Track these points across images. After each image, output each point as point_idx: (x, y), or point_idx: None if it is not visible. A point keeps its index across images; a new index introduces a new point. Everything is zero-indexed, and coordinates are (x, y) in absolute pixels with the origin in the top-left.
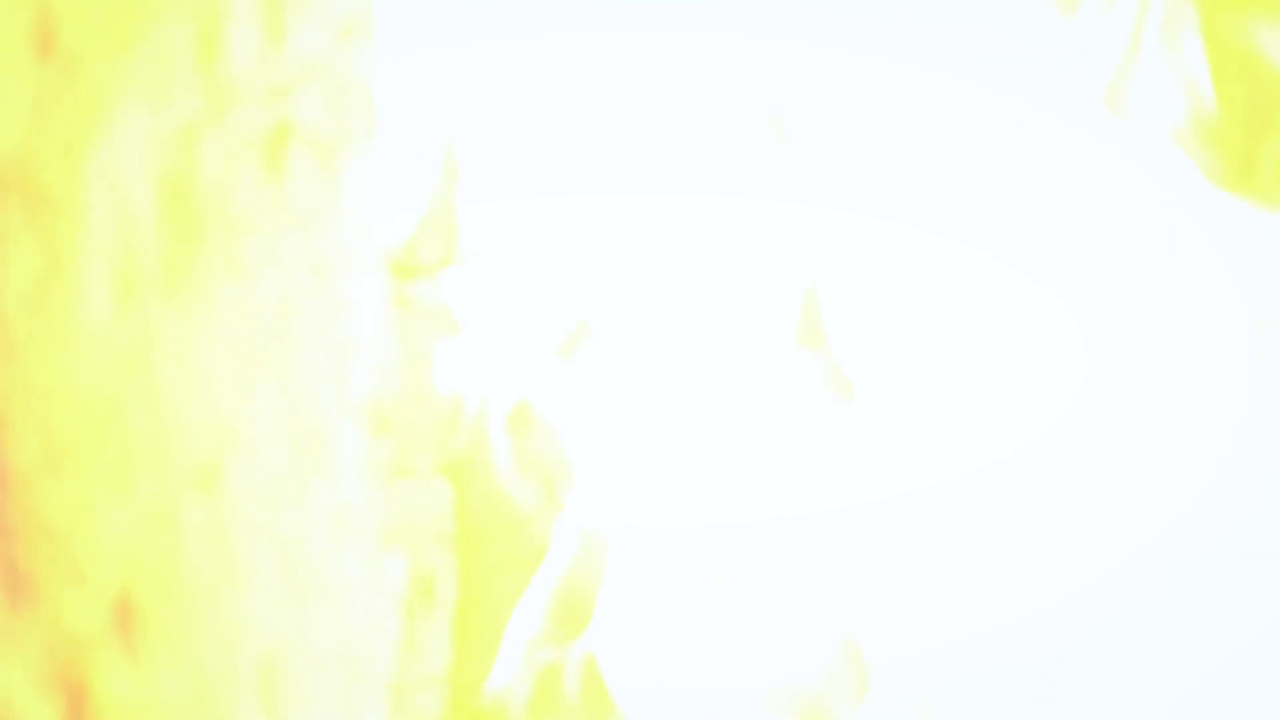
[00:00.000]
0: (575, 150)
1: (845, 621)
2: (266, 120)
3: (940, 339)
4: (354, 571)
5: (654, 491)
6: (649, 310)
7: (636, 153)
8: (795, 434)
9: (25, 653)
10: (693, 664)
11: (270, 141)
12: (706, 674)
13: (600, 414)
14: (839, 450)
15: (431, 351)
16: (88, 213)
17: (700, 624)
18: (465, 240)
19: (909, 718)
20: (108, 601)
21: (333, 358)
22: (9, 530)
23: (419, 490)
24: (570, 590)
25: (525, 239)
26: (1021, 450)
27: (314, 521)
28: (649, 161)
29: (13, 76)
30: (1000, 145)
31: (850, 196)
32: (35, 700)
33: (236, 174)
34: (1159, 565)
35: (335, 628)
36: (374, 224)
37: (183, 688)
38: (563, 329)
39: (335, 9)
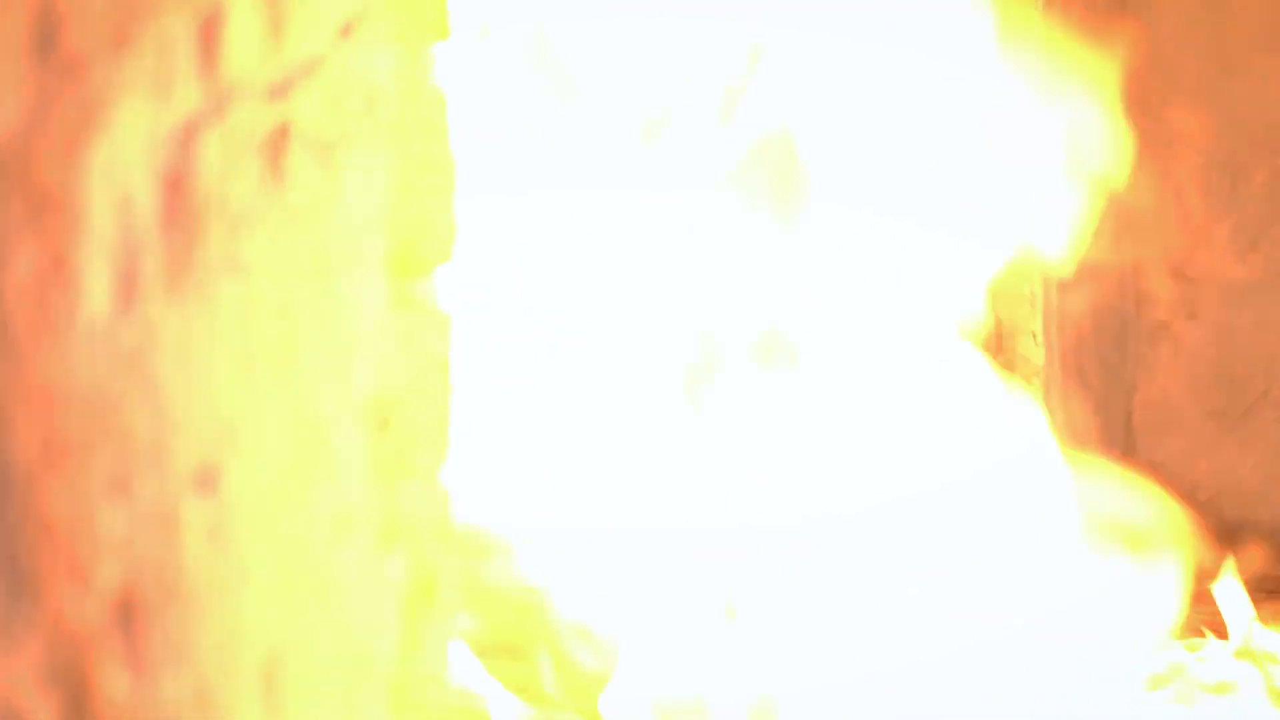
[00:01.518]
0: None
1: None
2: (267, 119)
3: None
4: (355, 571)
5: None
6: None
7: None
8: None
9: (26, 651)
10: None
11: (271, 140)
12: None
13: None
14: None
15: (433, 350)
16: (88, 212)
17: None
18: (464, 237)
19: None
20: (109, 600)
21: (334, 357)
22: (10, 529)
23: (420, 490)
24: None
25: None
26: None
27: (315, 521)
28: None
29: (13, 76)
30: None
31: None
32: (36, 699)
33: (237, 173)
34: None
35: (336, 627)
36: (374, 223)
37: (184, 686)
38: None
39: (336, 8)
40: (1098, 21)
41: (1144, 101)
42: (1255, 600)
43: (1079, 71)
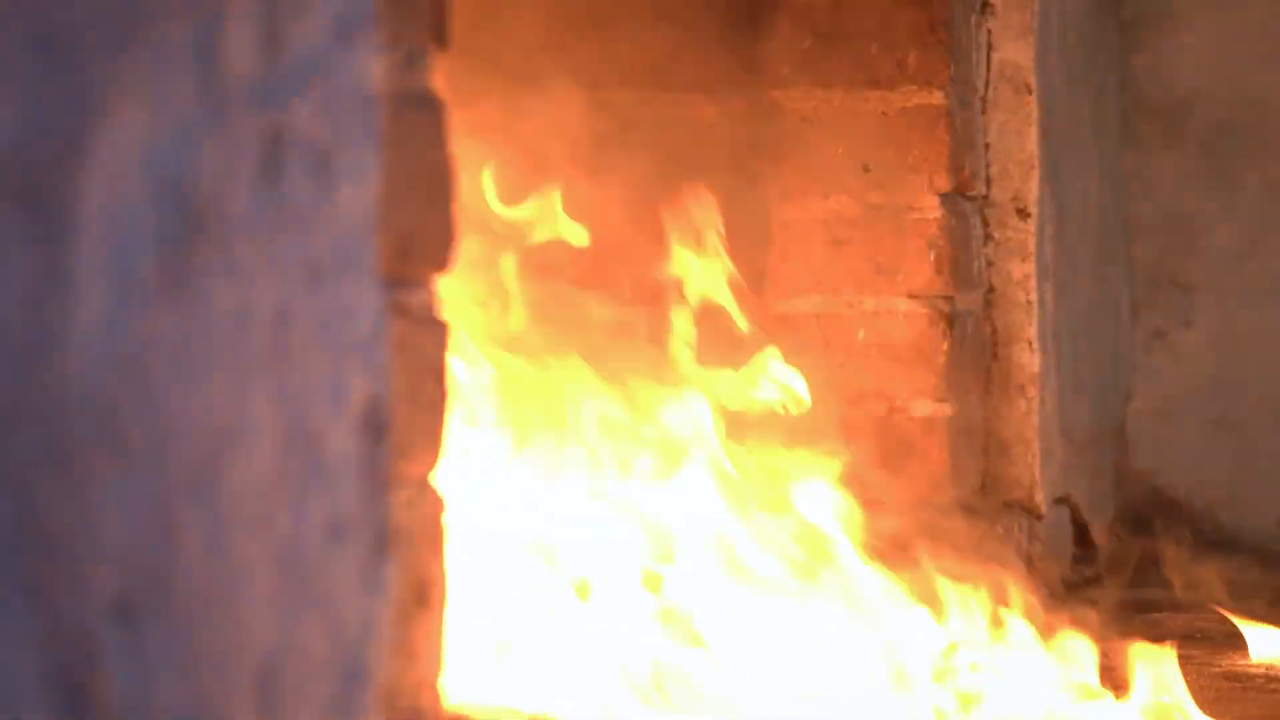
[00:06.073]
0: None
1: None
2: (263, 124)
3: None
4: (349, 576)
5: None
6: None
7: None
8: None
9: (25, 655)
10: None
11: (267, 146)
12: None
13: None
14: None
15: (428, 357)
16: (86, 217)
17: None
18: (462, 244)
19: None
20: (106, 605)
21: (329, 361)
22: (9, 533)
23: (414, 495)
24: None
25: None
26: None
27: (310, 524)
28: None
29: (12, 75)
30: None
31: None
32: (34, 702)
33: (233, 178)
34: None
35: (330, 631)
36: (370, 229)
37: (180, 690)
38: None
39: (332, 13)
40: None
41: (1143, 107)
42: (1252, 608)
43: None
